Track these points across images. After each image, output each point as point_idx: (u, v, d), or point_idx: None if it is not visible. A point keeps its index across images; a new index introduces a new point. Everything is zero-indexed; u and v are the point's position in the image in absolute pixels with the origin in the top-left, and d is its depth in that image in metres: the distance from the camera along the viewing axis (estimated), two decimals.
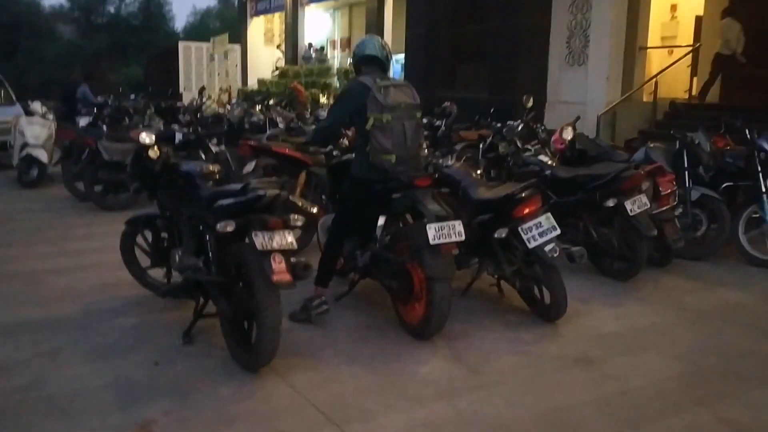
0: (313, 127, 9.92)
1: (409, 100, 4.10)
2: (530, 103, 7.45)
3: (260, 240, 3.36)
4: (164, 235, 4.52)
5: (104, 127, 9.70)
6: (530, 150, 6.81)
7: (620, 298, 5.04)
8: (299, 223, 3.62)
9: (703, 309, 4.86)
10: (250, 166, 5.90)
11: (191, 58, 25.49)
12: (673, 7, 15.73)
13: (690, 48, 12.82)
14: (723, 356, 4.00)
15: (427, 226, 3.83)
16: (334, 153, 5.09)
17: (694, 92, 13.05)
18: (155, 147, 4.26)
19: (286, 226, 3.52)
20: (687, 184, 6.14)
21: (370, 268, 4.39)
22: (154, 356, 3.80)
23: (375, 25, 19.95)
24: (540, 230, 4.25)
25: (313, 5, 23.98)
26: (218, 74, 25.38)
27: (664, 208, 5.59)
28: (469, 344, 4.06)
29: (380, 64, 4.25)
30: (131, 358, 3.79)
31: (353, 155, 4.55)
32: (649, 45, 12.74)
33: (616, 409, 3.31)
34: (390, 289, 4.26)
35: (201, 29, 46.04)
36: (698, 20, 13.97)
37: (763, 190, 5.99)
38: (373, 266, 4.34)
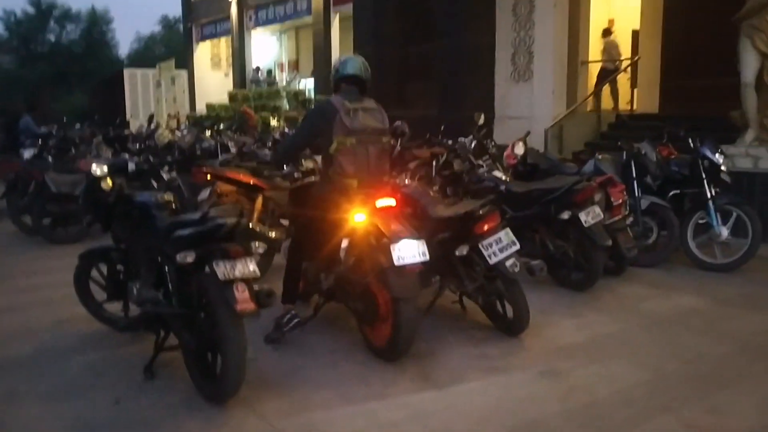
0: (266, 151, 9.90)
1: (376, 124, 4.09)
2: (481, 120, 7.57)
3: (222, 269, 3.31)
4: (120, 267, 4.41)
5: (50, 159, 9.47)
6: (482, 165, 6.92)
7: (580, 308, 5.12)
8: (260, 251, 3.59)
9: (660, 315, 4.98)
10: (205, 193, 5.81)
11: (137, 85, 25.12)
12: (611, 22, 16.24)
13: (630, 61, 13.26)
14: (683, 361, 4.10)
15: (391, 247, 3.83)
16: (296, 175, 5.05)
17: (635, 104, 13.48)
18: (107, 178, 4.16)
19: (248, 253, 3.47)
20: (636, 194, 6.31)
21: (334, 291, 4.37)
22: (115, 394, 3.68)
23: (322, 47, 20.05)
24: (500, 246, 4.30)
25: (259, 29, 23.97)
26: (165, 100, 25.05)
27: (617, 218, 5.74)
28: (437, 363, 4.07)
29: (360, 83, 4.21)
30: (91, 397, 3.67)
31: (313, 178, 4.59)
32: (590, 59, 13.10)
33: (585, 420, 3.36)
34: (355, 311, 4.24)
35: (146, 55, 45.49)
36: (635, 34, 14.46)
37: (709, 196, 6.20)
38: (338, 289, 4.33)
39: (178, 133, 13.61)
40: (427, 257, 3.94)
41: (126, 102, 24.64)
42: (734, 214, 6.15)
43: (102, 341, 4.50)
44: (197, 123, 20.01)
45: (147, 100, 25.09)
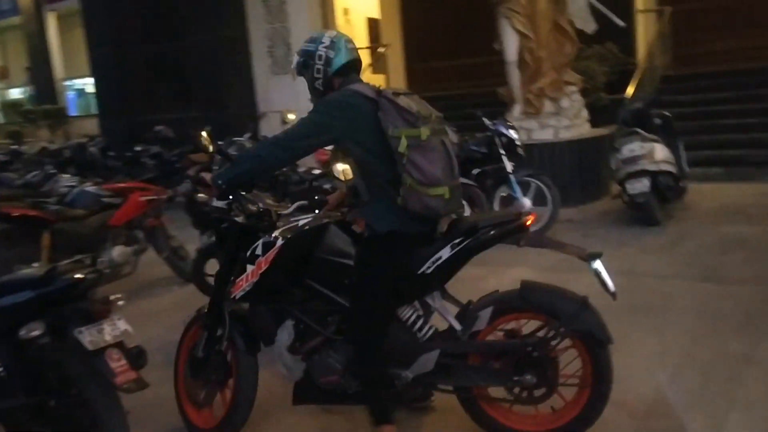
0: (10, 174, 8.39)
1: (433, 111, 2.86)
2: (291, 116, 7.16)
3: (88, 338, 2.56)
4: None
5: None
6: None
7: None
8: (121, 303, 2.85)
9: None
10: None
11: None
12: (346, 11, 16.68)
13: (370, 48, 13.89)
14: None
15: (602, 276, 2.72)
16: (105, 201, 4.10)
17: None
18: None
19: (111, 309, 2.75)
20: None
21: (441, 376, 2.91)
22: None
23: (38, 50, 17.75)
24: None
25: None
26: None
27: None
28: None
29: (358, 70, 2.96)
30: None
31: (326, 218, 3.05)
32: None
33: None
34: (517, 390, 2.90)
35: None
36: (371, 22, 15.06)
37: (509, 171, 6.53)
38: (454, 370, 2.89)
39: None
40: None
41: None
42: (533, 185, 6.57)
43: None
44: None
45: None
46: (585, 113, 8.45)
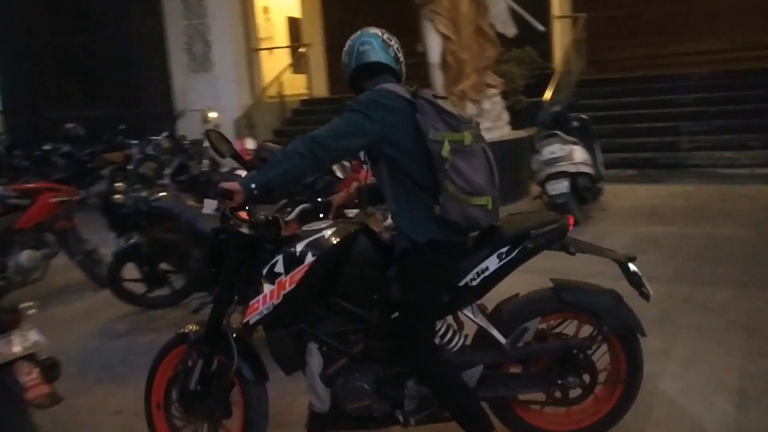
0: None
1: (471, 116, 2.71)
2: (214, 115, 6.94)
3: None
4: None
5: None
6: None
7: None
8: (33, 311, 2.66)
9: None
10: None
11: None
12: (266, 9, 16.46)
13: (290, 47, 13.69)
14: None
15: (638, 278, 2.71)
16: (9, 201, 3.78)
17: (312, 89, 13.89)
18: None
19: (21, 318, 2.56)
20: None
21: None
22: None
23: None
24: None
25: None
26: None
27: None
28: None
29: (393, 74, 2.66)
30: None
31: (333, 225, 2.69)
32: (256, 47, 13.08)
33: None
34: (555, 395, 2.81)
35: None
36: (291, 21, 14.87)
37: None
38: (500, 380, 2.74)
39: None
40: None
41: None
42: None
43: None
44: None
45: None
46: (506, 115, 8.60)
